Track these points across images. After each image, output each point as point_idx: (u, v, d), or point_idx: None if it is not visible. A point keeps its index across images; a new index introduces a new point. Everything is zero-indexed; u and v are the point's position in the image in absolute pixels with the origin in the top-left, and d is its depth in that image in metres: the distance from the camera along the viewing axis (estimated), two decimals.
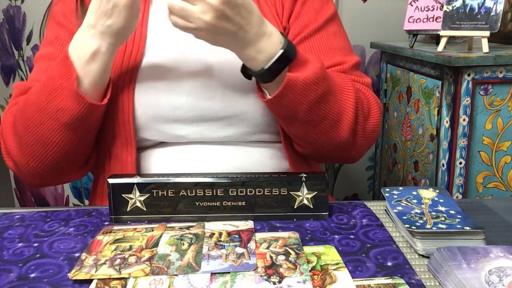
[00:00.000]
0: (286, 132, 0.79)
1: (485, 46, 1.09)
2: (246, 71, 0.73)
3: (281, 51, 0.67)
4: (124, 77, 0.77)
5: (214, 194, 0.64)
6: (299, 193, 0.64)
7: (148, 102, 0.76)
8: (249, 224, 0.63)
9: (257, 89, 0.74)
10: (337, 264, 0.53)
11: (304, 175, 0.64)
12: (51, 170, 0.75)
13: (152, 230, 0.61)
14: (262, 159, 0.80)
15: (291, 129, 0.77)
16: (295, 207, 0.65)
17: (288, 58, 0.68)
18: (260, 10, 0.84)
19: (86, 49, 0.69)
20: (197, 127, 0.77)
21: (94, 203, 0.85)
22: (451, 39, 1.25)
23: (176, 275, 0.51)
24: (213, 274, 0.51)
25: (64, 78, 0.69)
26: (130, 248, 0.56)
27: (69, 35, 0.80)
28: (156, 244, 0.57)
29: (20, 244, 0.59)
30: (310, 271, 0.51)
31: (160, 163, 0.78)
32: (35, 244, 0.59)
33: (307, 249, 0.56)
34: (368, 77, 0.84)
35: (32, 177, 0.76)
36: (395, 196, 0.68)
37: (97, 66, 0.70)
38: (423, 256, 0.56)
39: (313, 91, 0.70)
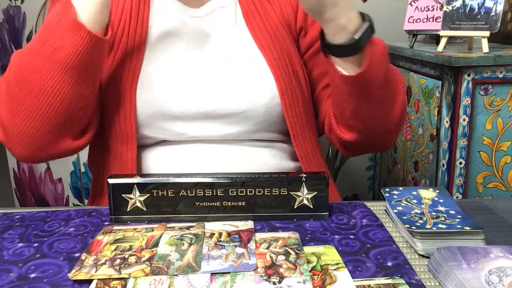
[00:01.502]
0: (346, 117, 0.76)
1: (485, 46, 1.09)
2: (327, 47, 0.70)
3: (368, 23, 0.68)
4: (126, 73, 0.76)
5: (214, 194, 0.64)
6: (299, 193, 0.64)
7: (150, 99, 0.75)
8: (249, 224, 0.63)
9: (332, 69, 0.72)
10: (337, 264, 0.53)
11: (304, 175, 0.64)
12: (44, 132, 0.69)
13: (152, 230, 0.61)
14: (264, 157, 0.80)
15: (357, 109, 0.74)
16: (295, 207, 0.65)
17: (372, 30, 0.69)
18: (266, 12, 0.83)
19: None
20: (199, 125, 0.77)
21: (94, 202, 0.85)
22: (451, 39, 1.25)
23: (176, 275, 0.51)
24: (213, 274, 0.51)
25: (61, 15, 0.65)
26: (130, 248, 0.56)
27: None
28: (156, 244, 0.57)
29: (20, 244, 0.59)
30: (310, 271, 0.51)
31: (161, 162, 0.78)
32: (35, 244, 0.59)
33: (307, 249, 0.56)
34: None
35: (22, 145, 0.69)
36: (395, 196, 0.68)
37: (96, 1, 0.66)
38: (423, 256, 0.56)
39: (385, 64, 0.71)
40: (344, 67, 0.70)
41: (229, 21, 0.82)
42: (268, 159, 0.80)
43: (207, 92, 0.76)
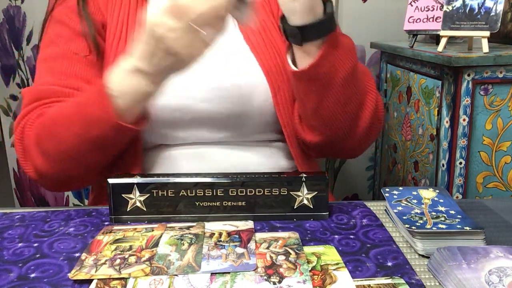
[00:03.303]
0: (307, 117, 0.76)
1: (485, 46, 1.09)
2: (288, 30, 0.69)
3: (333, 5, 0.67)
4: None
5: (214, 194, 0.64)
6: (299, 193, 0.64)
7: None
8: (249, 224, 0.63)
9: (288, 65, 0.72)
10: (337, 264, 0.53)
11: (304, 175, 0.64)
12: (76, 180, 0.76)
13: (152, 230, 0.61)
14: (261, 158, 0.80)
15: (317, 108, 0.73)
16: (295, 207, 0.65)
17: (334, 18, 0.68)
18: (269, 7, 0.84)
19: (133, 89, 0.65)
20: (195, 129, 0.77)
21: (96, 202, 0.85)
22: (451, 39, 1.25)
23: (176, 275, 0.51)
24: (213, 274, 0.51)
25: (101, 110, 0.66)
26: (130, 248, 0.56)
27: (71, 32, 0.79)
28: (156, 244, 0.57)
29: (20, 244, 0.59)
30: (310, 271, 0.51)
31: (159, 165, 0.78)
32: (35, 244, 0.59)
33: (307, 249, 0.56)
34: (367, 69, 0.83)
35: (53, 186, 0.77)
36: (395, 196, 0.68)
37: (142, 104, 0.67)
38: (423, 256, 0.56)
39: (349, 60, 0.69)
40: (303, 59, 0.69)
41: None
42: (264, 159, 0.80)
43: (202, 96, 0.76)
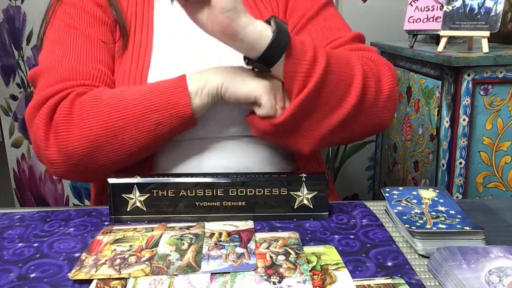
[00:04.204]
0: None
1: (485, 46, 1.09)
2: (252, 65, 0.70)
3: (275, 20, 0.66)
4: (135, 70, 0.77)
5: (214, 194, 0.64)
6: (299, 193, 0.64)
7: None
8: (249, 224, 0.63)
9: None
10: (337, 264, 0.53)
11: (304, 175, 0.64)
12: (95, 174, 0.72)
13: (152, 230, 0.61)
14: (265, 154, 0.79)
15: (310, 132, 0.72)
16: (295, 207, 0.65)
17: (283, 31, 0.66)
18: (257, 10, 0.84)
19: (207, 81, 0.70)
20: (200, 123, 0.77)
21: (97, 203, 0.84)
22: (451, 39, 1.26)
23: (176, 275, 0.51)
24: (213, 274, 0.51)
25: (177, 95, 0.68)
26: (130, 248, 0.56)
27: (92, 18, 0.78)
28: (156, 244, 0.57)
29: (20, 244, 0.59)
30: (310, 271, 0.51)
31: (164, 159, 0.78)
32: (35, 244, 0.59)
33: (307, 249, 0.56)
34: (373, 48, 0.81)
35: (69, 172, 0.71)
36: (395, 196, 0.68)
37: (211, 100, 0.70)
38: (423, 256, 0.56)
39: (321, 59, 0.67)
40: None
41: None
42: (269, 155, 0.79)
43: None
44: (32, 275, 0.52)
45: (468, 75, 1.07)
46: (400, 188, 0.70)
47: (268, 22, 0.67)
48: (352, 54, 0.75)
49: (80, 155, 0.68)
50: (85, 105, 0.68)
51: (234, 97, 0.70)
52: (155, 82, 0.71)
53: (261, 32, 0.64)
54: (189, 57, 0.79)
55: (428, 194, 0.68)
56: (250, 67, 0.71)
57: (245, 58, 0.70)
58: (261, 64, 0.66)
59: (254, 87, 0.69)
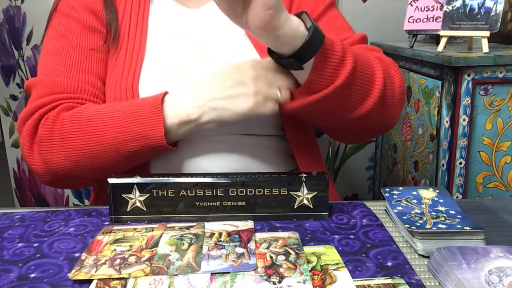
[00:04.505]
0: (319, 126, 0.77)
1: (485, 46, 1.09)
2: (284, 62, 0.68)
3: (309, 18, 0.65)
4: (127, 72, 0.77)
5: (214, 194, 0.64)
6: (299, 193, 0.64)
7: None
8: (249, 224, 0.63)
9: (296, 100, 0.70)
10: (337, 264, 0.53)
11: (304, 175, 0.64)
12: (83, 181, 0.76)
13: (152, 230, 0.61)
14: (262, 153, 0.79)
15: (323, 118, 0.74)
16: (295, 207, 0.65)
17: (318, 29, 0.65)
18: None
19: (185, 115, 0.69)
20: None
21: (97, 203, 0.84)
22: (451, 39, 1.26)
23: (176, 275, 0.51)
24: (213, 274, 0.51)
25: (151, 128, 0.68)
26: (130, 248, 0.56)
27: (83, 27, 0.80)
28: (156, 244, 0.57)
29: (20, 244, 0.59)
30: (310, 271, 0.51)
31: (159, 159, 0.78)
32: (35, 244, 0.59)
33: (307, 249, 0.56)
34: (377, 47, 0.82)
35: (56, 183, 0.76)
36: (395, 196, 0.68)
37: (188, 131, 0.70)
38: (423, 256, 0.56)
39: (348, 63, 0.67)
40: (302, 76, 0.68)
41: (226, 21, 0.82)
42: (268, 154, 0.80)
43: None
44: (32, 275, 0.52)
45: (468, 75, 1.07)
46: (400, 188, 0.70)
47: (298, 16, 0.65)
48: (369, 53, 0.75)
49: (63, 171, 0.72)
50: (66, 124, 0.71)
51: (233, 122, 0.70)
52: (134, 104, 0.71)
53: (297, 29, 0.62)
54: (185, 57, 0.79)
55: (428, 194, 0.68)
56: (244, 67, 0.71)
57: (271, 54, 0.68)
58: (294, 60, 0.64)
59: (250, 103, 0.68)
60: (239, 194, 0.64)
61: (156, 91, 0.76)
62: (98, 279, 0.50)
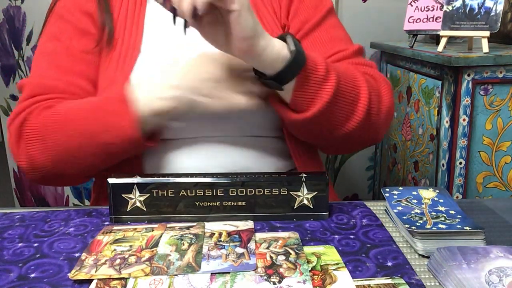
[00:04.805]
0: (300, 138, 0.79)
1: (485, 46, 1.09)
2: (265, 82, 0.69)
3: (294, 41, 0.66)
4: (120, 72, 0.77)
5: (214, 194, 0.64)
6: (299, 193, 0.64)
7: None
8: (249, 224, 0.63)
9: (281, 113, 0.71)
10: (337, 264, 0.53)
11: (304, 175, 0.64)
12: (68, 179, 0.77)
13: (152, 230, 0.61)
14: (261, 154, 0.79)
15: (309, 135, 0.77)
16: (295, 207, 0.65)
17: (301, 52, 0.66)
18: (257, 10, 0.84)
19: (158, 105, 0.68)
20: (195, 122, 0.76)
21: (98, 203, 0.84)
22: (451, 39, 1.26)
23: (176, 275, 0.51)
24: (213, 274, 0.51)
25: (122, 118, 0.68)
26: (130, 248, 0.56)
27: (75, 30, 0.80)
28: (156, 244, 0.57)
29: (20, 244, 0.59)
30: (310, 271, 0.51)
31: (156, 160, 0.78)
32: (35, 244, 0.59)
33: (307, 249, 0.56)
34: (373, 63, 0.83)
35: (43, 180, 0.76)
36: (395, 196, 0.68)
37: (161, 121, 0.70)
38: (423, 256, 0.56)
39: (332, 80, 0.68)
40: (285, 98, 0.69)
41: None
42: (266, 155, 0.79)
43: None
44: (32, 275, 0.52)
45: (468, 75, 1.07)
46: (400, 188, 0.70)
47: (281, 38, 0.67)
48: (356, 70, 0.76)
49: (46, 168, 0.73)
50: (47, 120, 0.72)
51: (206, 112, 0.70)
52: (107, 96, 0.72)
53: (278, 53, 0.64)
54: (180, 57, 0.78)
55: (428, 194, 0.68)
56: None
57: (255, 72, 0.70)
58: (275, 82, 0.66)
59: (216, 102, 0.69)
60: (239, 194, 0.64)
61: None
62: (98, 279, 0.50)
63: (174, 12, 0.60)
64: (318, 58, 0.68)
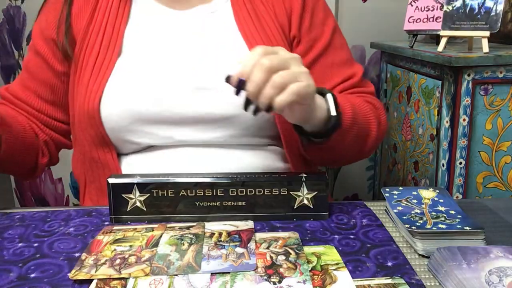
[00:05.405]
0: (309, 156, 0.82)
1: (485, 46, 1.09)
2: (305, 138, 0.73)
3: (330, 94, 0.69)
4: (95, 78, 0.77)
5: (214, 194, 0.64)
6: (299, 193, 0.64)
7: (121, 102, 0.75)
8: (249, 224, 0.63)
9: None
10: (337, 264, 0.53)
11: (304, 175, 0.64)
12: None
13: (152, 230, 0.61)
14: (252, 162, 0.78)
15: (325, 158, 0.82)
16: (295, 207, 0.65)
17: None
18: (260, 14, 0.82)
19: None
20: (185, 129, 0.76)
21: (85, 201, 0.84)
22: (451, 39, 1.25)
23: (176, 275, 0.51)
24: (213, 274, 0.51)
25: None
26: (130, 248, 0.56)
27: (36, 55, 0.85)
28: (156, 244, 0.57)
29: (20, 244, 0.59)
30: (310, 271, 0.51)
31: (148, 167, 0.77)
32: (35, 244, 0.59)
33: (307, 249, 0.56)
34: (372, 85, 0.87)
35: None
36: (395, 196, 0.68)
37: None
38: (423, 256, 0.56)
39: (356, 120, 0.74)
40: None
41: (220, 26, 0.81)
42: (258, 163, 0.79)
43: (191, 95, 0.75)
44: (32, 275, 0.52)
45: (468, 75, 1.07)
46: (400, 188, 0.70)
47: (320, 93, 0.69)
48: (365, 103, 0.80)
49: None
50: None
51: None
52: None
53: (320, 117, 0.67)
54: (162, 61, 0.78)
55: (428, 194, 0.68)
56: None
57: (295, 127, 0.72)
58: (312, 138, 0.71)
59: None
60: (239, 194, 0.64)
61: (125, 93, 0.75)
62: (98, 279, 0.50)
63: (247, 100, 0.60)
64: (347, 110, 0.72)
